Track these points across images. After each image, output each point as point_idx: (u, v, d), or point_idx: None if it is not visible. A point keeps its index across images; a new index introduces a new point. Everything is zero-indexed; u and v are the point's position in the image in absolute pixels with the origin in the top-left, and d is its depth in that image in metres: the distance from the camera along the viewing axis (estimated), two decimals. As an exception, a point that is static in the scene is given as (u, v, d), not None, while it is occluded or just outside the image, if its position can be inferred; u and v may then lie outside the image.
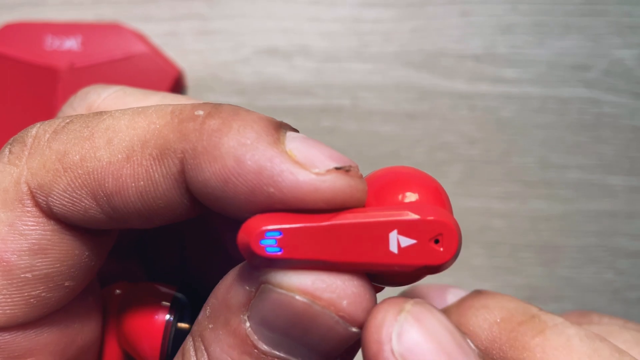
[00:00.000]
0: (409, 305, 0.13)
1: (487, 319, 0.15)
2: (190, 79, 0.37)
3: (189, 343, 0.15)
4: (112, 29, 0.35)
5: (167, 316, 0.17)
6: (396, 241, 0.13)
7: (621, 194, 0.36)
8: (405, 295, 0.15)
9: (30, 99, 0.34)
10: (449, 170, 0.37)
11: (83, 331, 0.16)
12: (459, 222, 0.13)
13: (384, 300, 0.13)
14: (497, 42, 0.37)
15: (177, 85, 0.35)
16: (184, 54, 0.37)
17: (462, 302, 0.16)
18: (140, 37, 0.34)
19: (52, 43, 0.34)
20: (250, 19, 0.37)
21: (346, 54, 0.37)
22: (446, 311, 0.17)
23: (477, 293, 0.17)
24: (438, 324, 0.13)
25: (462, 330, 0.13)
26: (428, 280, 0.16)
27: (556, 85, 0.36)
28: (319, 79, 0.37)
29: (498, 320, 0.15)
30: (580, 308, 0.37)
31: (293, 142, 0.13)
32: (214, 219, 0.18)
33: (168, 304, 0.17)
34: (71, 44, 0.34)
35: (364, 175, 0.14)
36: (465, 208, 0.37)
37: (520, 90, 0.37)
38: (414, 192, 0.14)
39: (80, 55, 0.34)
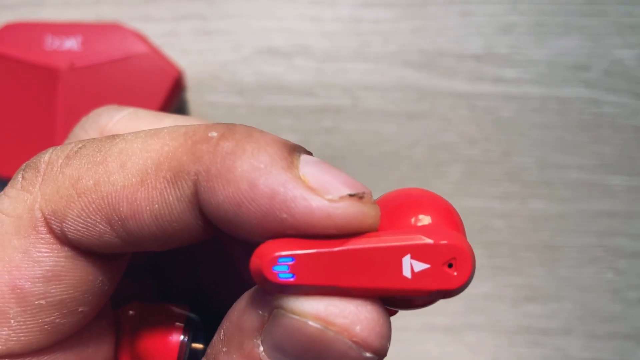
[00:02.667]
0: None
1: None
2: (190, 79, 0.37)
3: None
4: (112, 29, 0.34)
5: (181, 337, 0.17)
6: (409, 266, 0.13)
7: (621, 194, 0.36)
8: None
9: (30, 99, 0.34)
10: (449, 170, 0.37)
11: (97, 354, 0.16)
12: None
13: None
14: (497, 42, 0.37)
15: (177, 86, 0.35)
16: (184, 54, 0.37)
17: None
18: (140, 37, 0.34)
19: (52, 43, 0.34)
20: (250, 19, 0.37)
21: (346, 54, 0.37)
22: None
23: None
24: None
25: None
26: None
27: (556, 85, 0.36)
28: (319, 79, 0.37)
29: None
30: (580, 308, 0.37)
31: (307, 167, 0.13)
32: (227, 240, 0.18)
33: (182, 324, 0.17)
34: (71, 44, 0.34)
35: (374, 188, 0.14)
36: (465, 208, 0.37)
37: (520, 90, 0.36)
38: (426, 214, 0.14)
39: (80, 55, 0.34)
